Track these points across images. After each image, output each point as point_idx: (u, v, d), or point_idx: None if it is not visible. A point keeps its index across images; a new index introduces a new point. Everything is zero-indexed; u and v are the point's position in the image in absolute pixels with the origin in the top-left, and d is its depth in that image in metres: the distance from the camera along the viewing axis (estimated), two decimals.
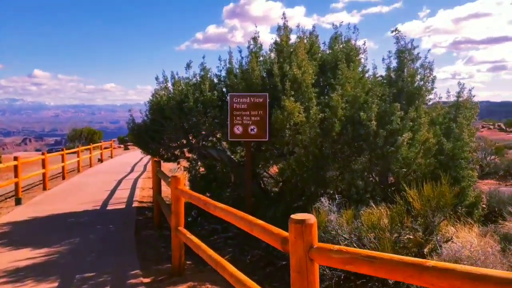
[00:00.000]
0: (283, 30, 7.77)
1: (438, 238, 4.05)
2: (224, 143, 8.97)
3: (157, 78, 8.72)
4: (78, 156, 17.97)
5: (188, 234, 4.62)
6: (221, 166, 9.11)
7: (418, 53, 7.30)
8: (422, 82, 7.11)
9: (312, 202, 6.85)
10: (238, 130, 6.90)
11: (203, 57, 8.34)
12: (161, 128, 8.38)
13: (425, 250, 4.14)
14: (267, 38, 8.82)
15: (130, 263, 5.72)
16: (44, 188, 12.72)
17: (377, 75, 8.18)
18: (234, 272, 3.30)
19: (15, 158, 10.87)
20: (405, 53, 7.32)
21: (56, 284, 4.89)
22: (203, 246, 4.11)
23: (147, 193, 11.82)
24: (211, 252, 3.93)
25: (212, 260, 3.75)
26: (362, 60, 8.16)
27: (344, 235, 4.63)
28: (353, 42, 8.10)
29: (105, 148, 26.04)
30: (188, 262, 5.59)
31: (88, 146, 21.82)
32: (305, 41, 7.84)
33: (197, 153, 8.92)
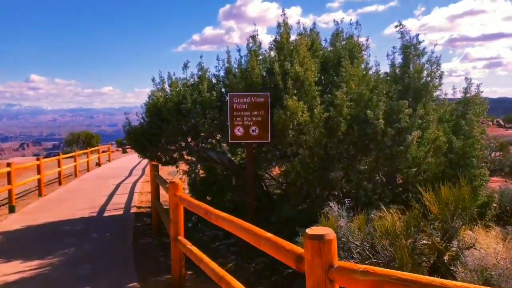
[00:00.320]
0: (283, 27, 7.46)
1: (461, 245, 3.74)
2: (224, 145, 8.68)
3: (153, 79, 8.42)
4: (75, 161, 17.63)
5: (189, 245, 4.31)
6: (221, 168, 8.81)
7: (424, 48, 7.01)
8: (429, 78, 6.81)
9: (317, 204, 6.56)
10: (239, 131, 6.60)
11: (201, 57, 8.06)
12: (158, 130, 8.07)
13: (445, 257, 3.84)
14: (265, 39, 8.52)
15: (128, 275, 5.41)
16: (40, 194, 12.38)
17: (380, 72, 7.92)
18: None
19: (8, 165, 10.54)
20: (410, 49, 7.03)
21: None
22: (206, 259, 3.80)
23: (146, 198, 11.50)
24: (213, 265, 3.62)
25: (215, 274, 3.44)
26: (365, 57, 7.90)
27: (355, 242, 4.32)
28: (355, 38, 7.83)
29: (103, 152, 25.70)
30: (189, 272, 5.29)
31: (86, 150, 21.46)
32: (306, 38, 7.53)
33: (197, 156, 8.61)
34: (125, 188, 13.45)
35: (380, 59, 8.18)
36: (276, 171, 9.80)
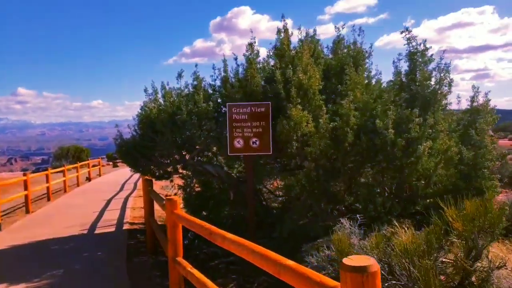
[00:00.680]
0: (283, 34, 7.16)
1: (492, 265, 3.40)
2: (220, 158, 8.31)
3: (145, 90, 8.05)
4: (64, 176, 17.08)
5: (189, 267, 3.91)
6: (218, 183, 8.42)
7: (431, 55, 6.74)
8: (437, 86, 6.53)
9: (321, 219, 6.21)
10: (238, 143, 6.24)
11: (196, 65, 7.72)
12: (151, 143, 7.69)
13: (473, 279, 3.49)
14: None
15: None
16: (27, 211, 11.85)
17: (382, 81, 7.67)
18: None
19: None
20: (417, 55, 6.77)
21: None
22: (209, 283, 3.41)
23: (139, 213, 11.04)
24: None
25: None
26: (367, 65, 7.65)
27: None
28: (358, 45, 7.57)
29: (93, 166, 25.11)
30: None
31: (75, 165, 20.90)
32: (308, 45, 7.24)
33: (192, 170, 8.22)
34: (116, 203, 12.96)
35: (381, 68, 7.91)
36: (274, 184, 9.46)
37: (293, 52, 7.00)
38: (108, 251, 7.23)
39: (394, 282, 3.76)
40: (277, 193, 9.53)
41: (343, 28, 7.71)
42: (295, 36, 7.32)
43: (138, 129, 8.12)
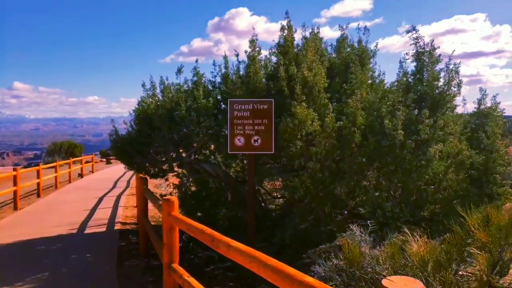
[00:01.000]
0: (287, 30, 6.86)
1: None
2: (218, 156, 7.99)
3: (143, 85, 7.73)
4: (56, 171, 16.66)
5: (186, 275, 3.58)
6: (214, 182, 8.09)
7: (439, 55, 6.46)
8: (446, 87, 6.24)
9: (324, 224, 5.90)
10: (239, 141, 5.92)
11: (196, 61, 7.38)
12: (148, 140, 7.37)
13: None
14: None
15: None
16: (15, 208, 11.43)
17: (385, 82, 7.42)
18: None
19: None
20: (424, 55, 6.48)
21: None
22: None
23: (131, 213, 10.68)
24: None
25: None
26: (371, 65, 7.39)
27: (383, 274, 3.66)
28: (363, 44, 7.31)
29: (86, 162, 24.67)
30: None
31: (68, 161, 20.45)
32: (312, 42, 6.94)
33: (188, 168, 7.88)
34: (108, 201, 12.58)
35: (383, 69, 7.66)
36: (270, 185, 9.14)
37: (296, 49, 6.73)
38: (98, 253, 6.87)
39: None
40: (275, 194, 9.22)
41: (347, 27, 7.45)
42: (299, 34, 7.06)
43: (135, 125, 7.81)
